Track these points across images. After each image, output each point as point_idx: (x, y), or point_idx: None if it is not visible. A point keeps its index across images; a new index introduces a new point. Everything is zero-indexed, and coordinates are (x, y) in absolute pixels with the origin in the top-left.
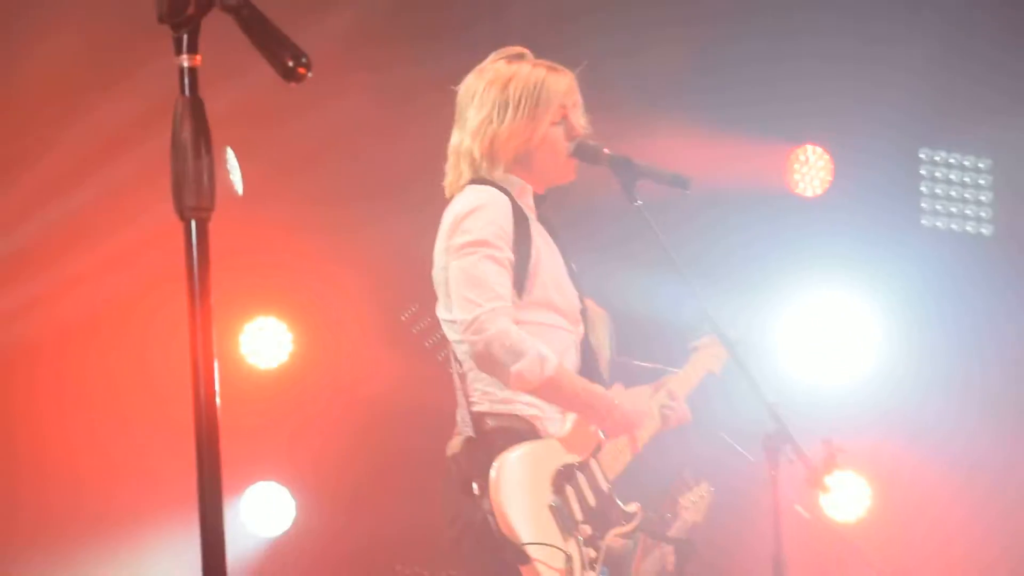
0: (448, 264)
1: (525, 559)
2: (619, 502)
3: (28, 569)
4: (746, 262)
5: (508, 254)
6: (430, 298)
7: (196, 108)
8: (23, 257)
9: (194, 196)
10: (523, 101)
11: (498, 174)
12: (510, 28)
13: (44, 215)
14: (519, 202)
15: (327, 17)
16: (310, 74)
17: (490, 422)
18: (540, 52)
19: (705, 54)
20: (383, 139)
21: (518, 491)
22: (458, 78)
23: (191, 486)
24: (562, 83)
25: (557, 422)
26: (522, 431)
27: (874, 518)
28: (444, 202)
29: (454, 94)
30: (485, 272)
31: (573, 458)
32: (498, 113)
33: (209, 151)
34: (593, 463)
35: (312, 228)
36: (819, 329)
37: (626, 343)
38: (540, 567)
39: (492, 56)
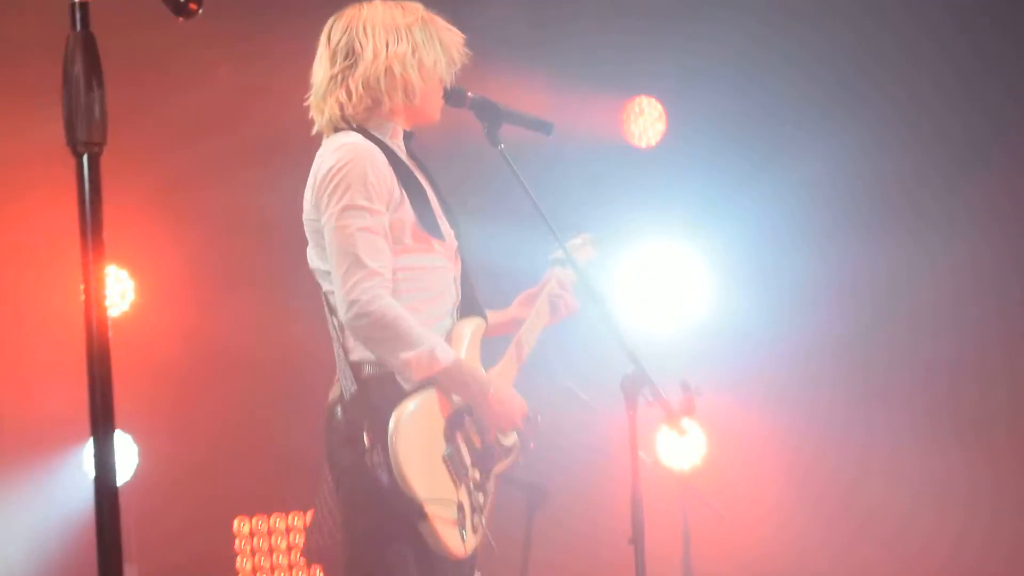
0: (324, 222)
1: (422, 515)
2: (499, 436)
3: None
4: (584, 210)
5: (384, 215)
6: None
7: (88, 43)
8: None
9: (86, 130)
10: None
11: (378, 116)
12: None
13: None
14: (391, 144)
15: None
16: (200, 10)
17: (367, 369)
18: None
19: (537, 7)
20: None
21: (415, 446)
22: None
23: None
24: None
25: None
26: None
27: (708, 467)
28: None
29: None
30: (364, 242)
31: (460, 400)
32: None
33: (100, 85)
34: None
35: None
36: (653, 278)
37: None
38: (436, 521)
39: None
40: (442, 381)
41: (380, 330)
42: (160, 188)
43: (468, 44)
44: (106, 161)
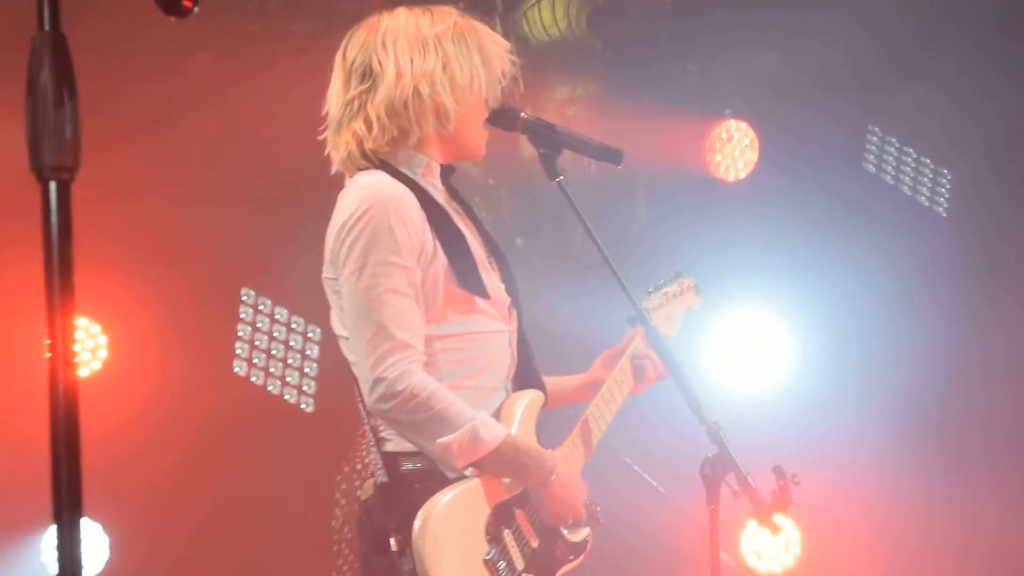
0: (343, 281)
1: None
2: (565, 531)
3: None
4: (658, 255)
5: (415, 272)
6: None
7: (58, 46)
8: None
9: (55, 152)
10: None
11: (405, 148)
12: None
13: None
14: (423, 182)
15: None
16: (196, 8)
17: (405, 464)
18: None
19: (603, 11)
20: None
21: (447, 548)
22: None
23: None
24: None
25: None
26: (442, 472)
27: (803, 570)
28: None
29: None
30: (392, 307)
31: (511, 491)
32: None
33: (74, 97)
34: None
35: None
36: (736, 340)
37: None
38: None
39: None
40: (492, 466)
41: (411, 413)
42: (138, 226)
43: (520, 55)
44: (77, 192)
